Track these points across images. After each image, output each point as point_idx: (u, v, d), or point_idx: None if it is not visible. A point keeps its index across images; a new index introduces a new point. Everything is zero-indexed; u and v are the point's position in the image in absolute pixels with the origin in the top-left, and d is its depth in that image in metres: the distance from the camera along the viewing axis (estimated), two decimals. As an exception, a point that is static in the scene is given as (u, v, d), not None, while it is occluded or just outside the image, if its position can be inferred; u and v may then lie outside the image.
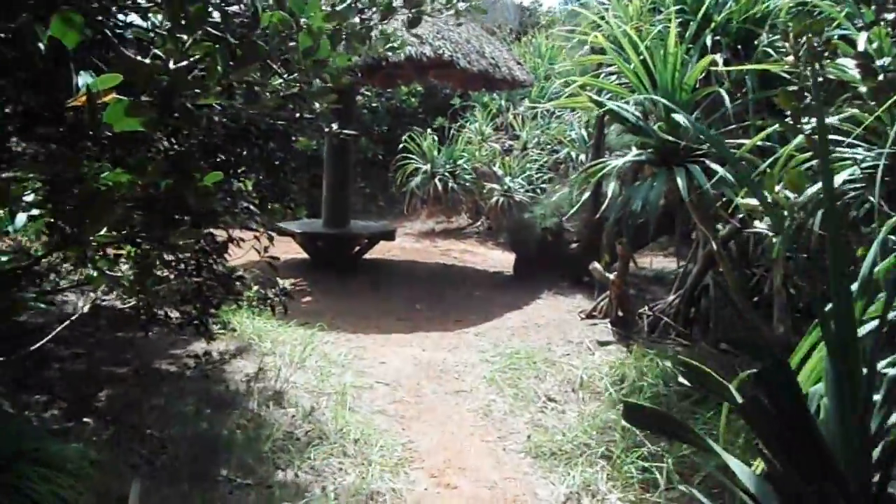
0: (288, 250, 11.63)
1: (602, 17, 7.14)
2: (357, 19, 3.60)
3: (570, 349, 7.15)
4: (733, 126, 5.35)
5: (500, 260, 12.46)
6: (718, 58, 5.45)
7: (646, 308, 7.97)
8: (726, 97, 5.04)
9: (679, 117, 5.15)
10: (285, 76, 3.18)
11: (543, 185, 13.86)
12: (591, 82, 6.05)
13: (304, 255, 11.22)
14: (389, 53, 7.85)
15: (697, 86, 5.64)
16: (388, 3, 3.59)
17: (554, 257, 10.39)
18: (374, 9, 3.66)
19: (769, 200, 3.79)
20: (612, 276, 7.93)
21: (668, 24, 5.65)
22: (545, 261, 10.39)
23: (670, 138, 5.28)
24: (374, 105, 18.47)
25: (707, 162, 5.27)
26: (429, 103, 18.71)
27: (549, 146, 14.98)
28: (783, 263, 5.53)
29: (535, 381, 6.21)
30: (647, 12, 6.57)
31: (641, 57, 5.52)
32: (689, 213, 6.15)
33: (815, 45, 3.91)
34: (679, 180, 5.11)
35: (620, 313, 7.92)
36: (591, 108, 6.25)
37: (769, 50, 5.59)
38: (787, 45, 4.01)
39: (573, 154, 14.01)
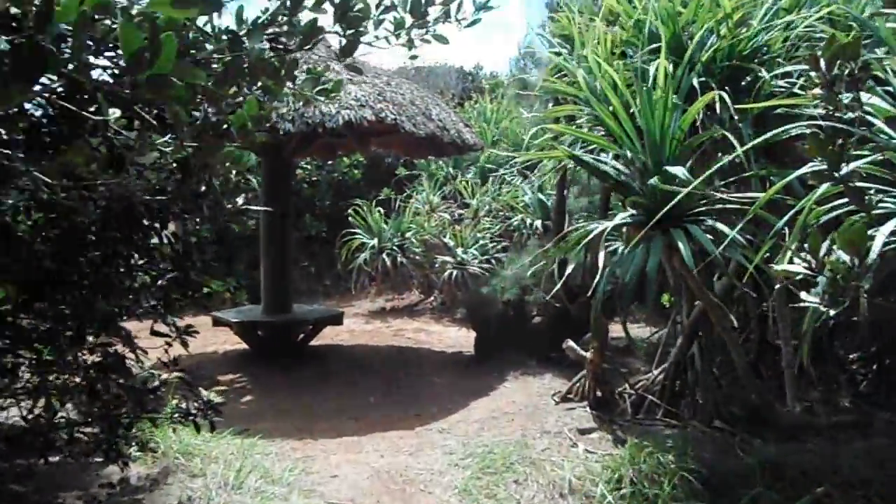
0: (228, 340, 10.65)
1: (559, 70, 6.38)
2: (266, 45, 2.62)
3: (549, 442, 6.20)
4: (733, 179, 4.53)
5: (459, 338, 11.54)
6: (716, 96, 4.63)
7: (626, 386, 7.09)
8: (735, 142, 4.16)
9: (676, 170, 4.32)
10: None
11: (498, 255, 13.08)
12: (569, 131, 5.19)
13: (245, 346, 10.20)
14: (323, 112, 7.04)
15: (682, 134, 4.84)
16: (312, 24, 2.63)
17: (517, 333, 9.52)
18: (294, 37, 2.67)
19: (816, 264, 2.94)
20: (588, 354, 7.08)
21: (645, 67, 4.86)
22: (508, 337, 9.51)
23: (666, 189, 4.40)
24: (314, 179, 17.63)
25: (710, 221, 4.44)
26: (372, 174, 17.96)
27: (501, 213, 14.23)
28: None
29: (515, 489, 5.25)
30: (616, 56, 5.76)
31: (624, 100, 4.70)
32: (677, 280, 5.34)
33: (851, 71, 3.11)
34: (681, 246, 4.25)
35: (599, 393, 7.08)
36: (566, 162, 5.39)
37: (762, 86, 4.82)
38: (813, 74, 3.20)
39: (528, 220, 13.27)
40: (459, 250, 13.36)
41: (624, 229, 5.12)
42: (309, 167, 17.53)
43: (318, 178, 17.66)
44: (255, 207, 3.70)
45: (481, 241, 13.50)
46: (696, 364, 6.52)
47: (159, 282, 3.97)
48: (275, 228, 10.33)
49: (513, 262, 10.23)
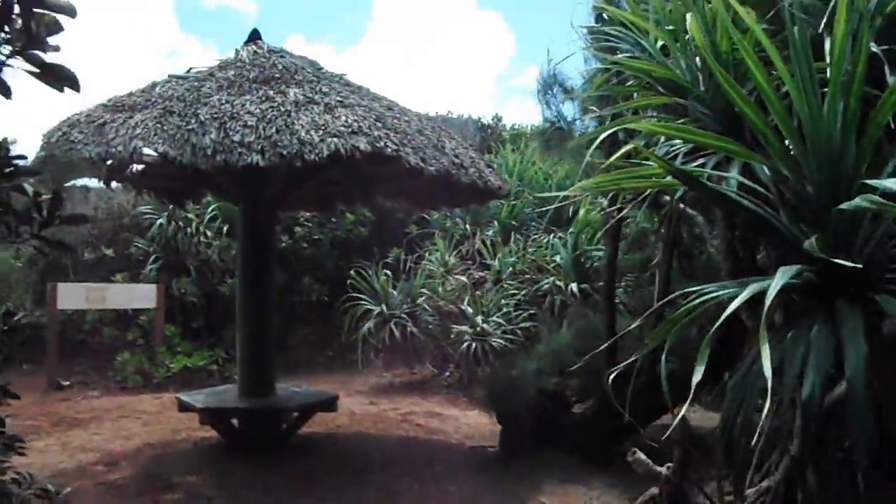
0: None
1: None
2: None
3: None
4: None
5: (479, 426, 9.44)
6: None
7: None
8: None
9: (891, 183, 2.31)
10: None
11: (525, 325, 11.13)
12: (667, 130, 3.07)
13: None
14: (302, 139, 5.35)
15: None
16: None
17: (555, 426, 7.47)
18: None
19: None
20: (663, 470, 5.06)
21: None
22: (542, 431, 7.46)
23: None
24: (315, 237, 15.74)
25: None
26: (380, 232, 16.07)
27: (527, 276, 12.31)
28: None
29: None
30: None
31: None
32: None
33: None
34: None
35: (677, 520, 5.04)
36: (661, 183, 3.28)
37: None
38: None
39: (559, 283, 11.32)
40: (479, 318, 11.60)
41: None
42: (309, 224, 15.71)
43: (320, 236, 15.80)
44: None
45: (505, 309, 11.64)
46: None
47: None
48: (253, 292, 8.43)
49: (549, 337, 8.23)
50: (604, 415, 7.02)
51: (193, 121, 6.57)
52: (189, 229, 15.12)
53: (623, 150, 3.12)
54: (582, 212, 12.80)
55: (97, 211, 16.55)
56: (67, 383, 13.14)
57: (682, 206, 4.55)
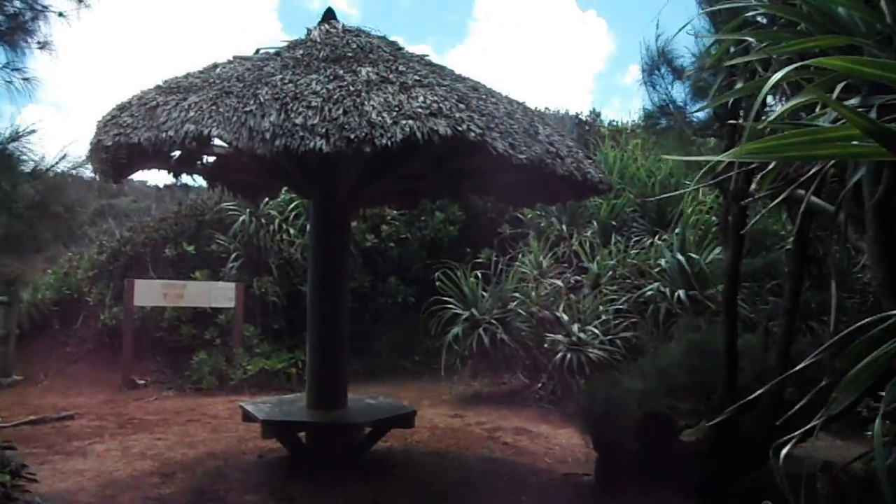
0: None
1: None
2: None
3: None
4: None
5: (572, 447, 8.47)
6: None
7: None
8: None
9: None
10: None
11: (625, 335, 10.16)
12: (860, 67, 2.10)
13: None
14: (373, 121, 4.56)
15: None
16: None
17: (660, 455, 6.47)
18: None
19: None
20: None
21: None
22: (646, 461, 6.47)
23: None
24: (403, 236, 15.00)
25: None
26: (471, 232, 15.24)
27: (628, 280, 11.32)
28: None
29: None
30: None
31: None
32: None
33: None
34: None
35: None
36: (850, 152, 2.27)
37: None
38: None
39: (664, 289, 10.31)
40: (575, 327, 10.69)
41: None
42: (397, 222, 15.01)
43: (408, 234, 15.04)
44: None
45: (603, 317, 10.66)
46: None
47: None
48: (325, 295, 7.66)
49: (656, 350, 7.26)
50: (719, 445, 6.06)
51: (252, 102, 5.80)
52: (272, 226, 14.58)
53: (794, 103, 2.18)
54: (688, 211, 11.77)
55: (181, 206, 16.16)
56: (143, 382, 12.73)
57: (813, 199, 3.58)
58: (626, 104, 45.36)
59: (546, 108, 21.72)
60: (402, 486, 7.11)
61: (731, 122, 5.41)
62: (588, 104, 49.41)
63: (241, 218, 14.65)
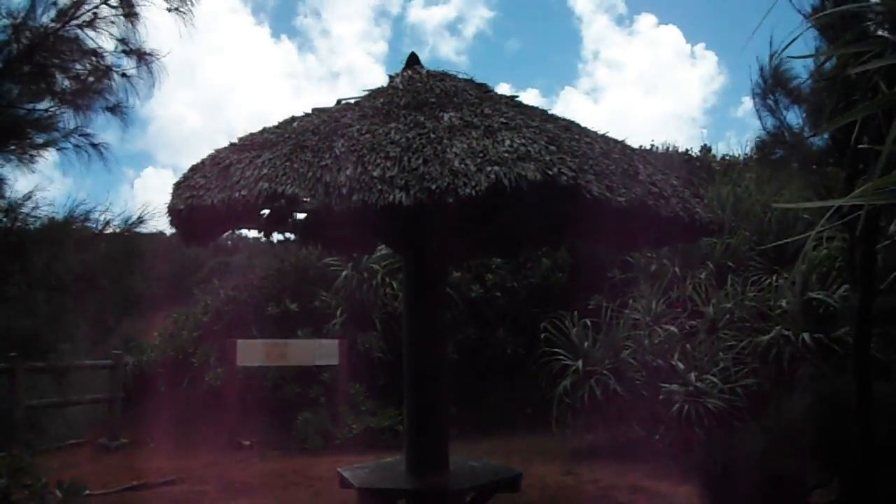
0: None
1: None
2: None
3: None
4: None
5: (694, 512, 7.85)
6: None
7: None
8: None
9: None
10: None
11: (745, 382, 9.51)
12: None
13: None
14: (455, 169, 4.26)
15: None
16: None
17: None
18: None
19: None
20: None
21: None
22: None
23: None
24: (509, 285, 14.58)
25: None
26: (580, 278, 14.62)
27: (747, 324, 10.65)
28: None
29: None
30: None
31: None
32: None
33: None
34: None
35: None
36: None
37: None
38: None
39: (786, 333, 9.64)
40: (692, 375, 10.03)
41: None
42: (502, 271, 14.60)
43: (514, 284, 14.62)
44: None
45: (721, 364, 9.99)
46: None
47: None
48: (420, 352, 7.29)
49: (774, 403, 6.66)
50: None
51: (327, 155, 5.50)
52: (374, 281, 14.36)
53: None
54: (809, 246, 11.03)
55: (283, 263, 16.12)
56: (248, 443, 12.60)
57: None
58: (740, 138, 44.10)
59: (652, 145, 21.13)
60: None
61: (857, 146, 4.89)
62: (700, 140, 48.26)
63: (344, 273, 14.50)
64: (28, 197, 5.30)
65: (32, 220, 5.22)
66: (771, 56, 6.24)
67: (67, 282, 5.02)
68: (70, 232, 5.04)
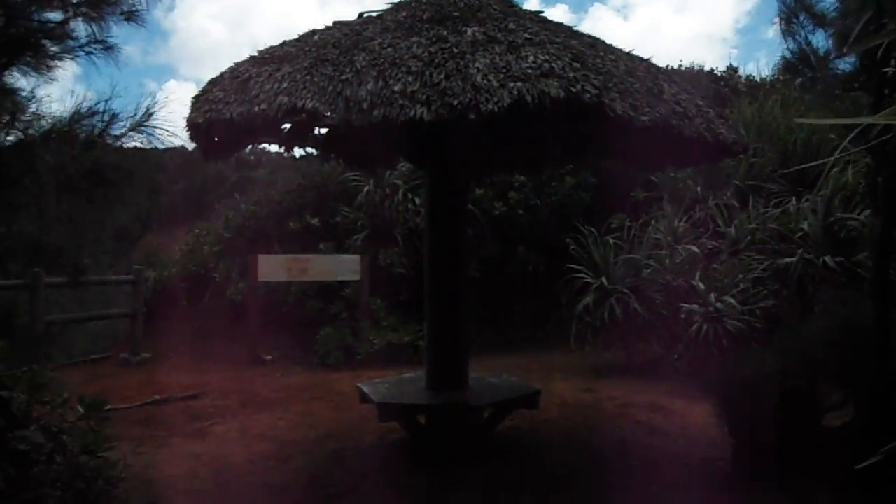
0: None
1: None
2: None
3: None
4: None
5: (709, 428, 7.79)
6: None
7: None
8: None
9: None
10: None
11: (764, 304, 9.49)
12: None
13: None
14: (477, 84, 4.23)
15: None
16: None
17: (804, 440, 5.89)
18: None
19: None
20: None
21: None
22: (788, 446, 5.90)
23: None
24: (533, 203, 14.52)
25: None
26: (603, 197, 14.58)
27: (769, 246, 10.57)
28: None
29: None
30: None
31: None
32: None
33: None
34: None
35: None
36: None
37: None
38: None
39: (807, 256, 9.60)
40: (712, 296, 10.01)
41: None
42: (525, 189, 14.50)
43: (537, 201, 14.55)
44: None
45: (742, 285, 9.95)
46: None
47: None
48: (441, 269, 7.34)
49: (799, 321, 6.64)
50: (870, 432, 5.45)
51: (348, 69, 5.44)
52: (396, 196, 14.30)
53: None
54: (834, 170, 10.88)
55: (304, 178, 16.09)
56: (269, 358, 12.75)
57: None
58: (770, 59, 43.31)
59: (680, 65, 20.73)
60: (524, 471, 6.75)
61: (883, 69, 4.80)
62: (730, 61, 47.26)
63: (366, 188, 14.47)
64: (31, 97, 5.20)
65: (38, 123, 5.13)
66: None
67: (77, 179, 4.97)
68: (75, 129, 4.98)
